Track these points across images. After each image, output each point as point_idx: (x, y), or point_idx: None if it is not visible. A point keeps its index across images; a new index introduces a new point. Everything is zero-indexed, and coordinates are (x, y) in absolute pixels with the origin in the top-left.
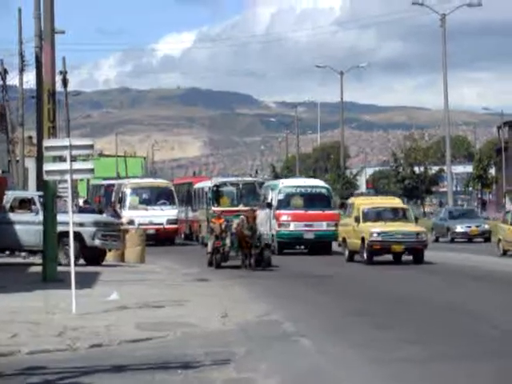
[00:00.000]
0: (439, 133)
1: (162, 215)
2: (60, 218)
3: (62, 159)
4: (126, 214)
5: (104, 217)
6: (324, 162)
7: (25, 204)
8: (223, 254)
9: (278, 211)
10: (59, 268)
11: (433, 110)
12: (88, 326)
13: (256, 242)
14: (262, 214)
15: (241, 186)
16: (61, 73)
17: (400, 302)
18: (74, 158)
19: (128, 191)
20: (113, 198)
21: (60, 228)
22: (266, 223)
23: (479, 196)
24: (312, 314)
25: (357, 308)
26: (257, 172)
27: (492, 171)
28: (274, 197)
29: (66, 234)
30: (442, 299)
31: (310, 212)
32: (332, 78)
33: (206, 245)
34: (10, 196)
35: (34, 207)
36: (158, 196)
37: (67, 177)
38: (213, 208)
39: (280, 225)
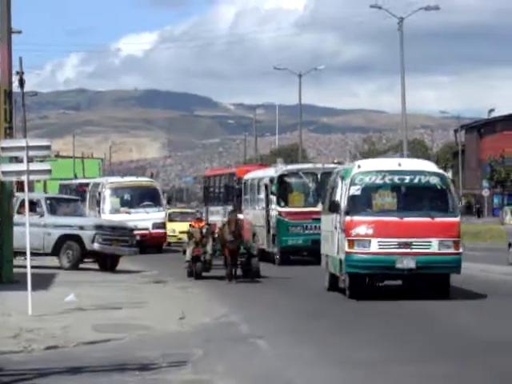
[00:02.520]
0: (397, 136)
1: (148, 219)
2: (61, 220)
3: (18, 160)
4: (105, 218)
5: (111, 221)
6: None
7: (30, 206)
8: (204, 263)
9: (347, 218)
10: (15, 270)
11: (391, 113)
12: (44, 328)
13: (242, 249)
14: (325, 222)
15: (319, 175)
16: (17, 73)
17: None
18: (30, 159)
19: (107, 192)
20: (87, 200)
21: (61, 231)
22: (331, 240)
23: None
24: (269, 316)
25: (314, 310)
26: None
27: (449, 174)
28: (342, 192)
29: (68, 237)
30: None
31: (409, 219)
32: (291, 81)
33: (184, 252)
34: (18, 198)
35: (38, 209)
36: (142, 197)
37: (24, 177)
38: (278, 208)
39: (352, 243)
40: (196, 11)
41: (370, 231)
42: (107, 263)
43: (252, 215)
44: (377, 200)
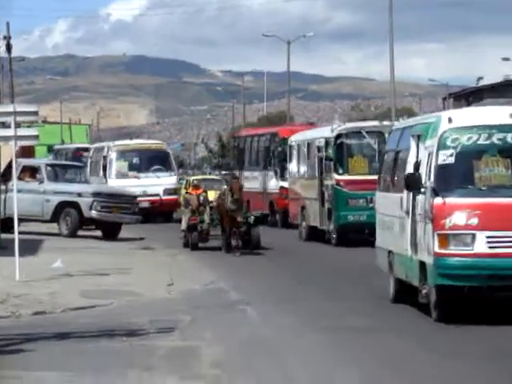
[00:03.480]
0: (385, 104)
1: (158, 184)
2: (60, 187)
3: (5, 125)
4: (113, 184)
5: (111, 187)
6: None
7: (30, 172)
8: (201, 233)
9: (437, 200)
10: (3, 236)
11: (380, 80)
12: (31, 294)
13: (242, 218)
14: (385, 203)
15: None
16: (5, 38)
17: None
18: (18, 125)
19: (114, 156)
20: (87, 166)
21: (60, 198)
22: (399, 231)
23: None
24: (258, 283)
25: (305, 278)
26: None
27: None
28: (422, 160)
29: (67, 204)
30: None
31: None
32: (280, 48)
33: (179, 221)
34: (18, 164)
35: (38, 176)
36: (152, 161)
37: (11, 143)
38: (335, 176)
39: (445, 239)
40: None
41: (474, 221)
42: (108, 231)
43: (300, 185)
44: (482, 172)
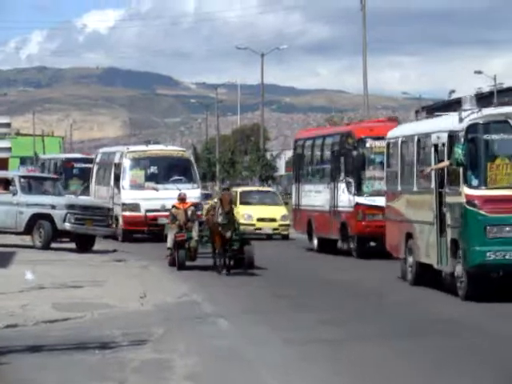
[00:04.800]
0: (359, 116)
1: None
2: (33, 199)
3: None
4: (127, 196)
5: (85, 200)
6: (244, 144)
7: (4, 184)
8: (189, 251)
9: None
10: None
11: (353, 93)
12: (3, 306)
13: (234, 235)
14: None
15: None
16: None
17: (325, 284)
18: None
19: (128, 163)
20: (93, 174)
21: (33, 210)
22: None
23: None
24: (231, 295)
25: (278, 290)
26: None
27: None
28: None
29: (40, 216)
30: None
31: None
32: (255, 60)
33: (165, 237)
34: None
35: (12, 188)
36: (172, 170)
37: None
38: (466, 190)
39: None
40: None
41: None
42: (82, 243)
43: (403, 202)
44: None
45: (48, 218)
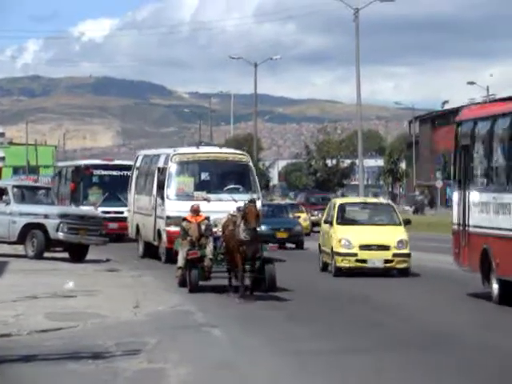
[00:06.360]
0: (352, 126)
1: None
2: (26, 208)
3: None
4: (172, 208)
5: (78, 209)
6: None
7: None
8: (202, 270)
9: None
10: None
11: (346, 103)
12: None
13: (257, 254)
14: None
15: None
16: None
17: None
18: None
19: (174, 168)
20: (132, 181)
21: (26, 219)
22: None
23: (390, 190)
24: (224, 305)
25: (273, 302)
26: None
27: (403, 165)
28: None
29: (33, 225)
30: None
31: None
32: (248, 70)
33: (175, 254)
34: None
35: (5, 197)
36: (227, 177)
37: None
38: None
39: None
40: None
41: None
42: (75, 253)
43: None
44: None
45: (41, 227)
